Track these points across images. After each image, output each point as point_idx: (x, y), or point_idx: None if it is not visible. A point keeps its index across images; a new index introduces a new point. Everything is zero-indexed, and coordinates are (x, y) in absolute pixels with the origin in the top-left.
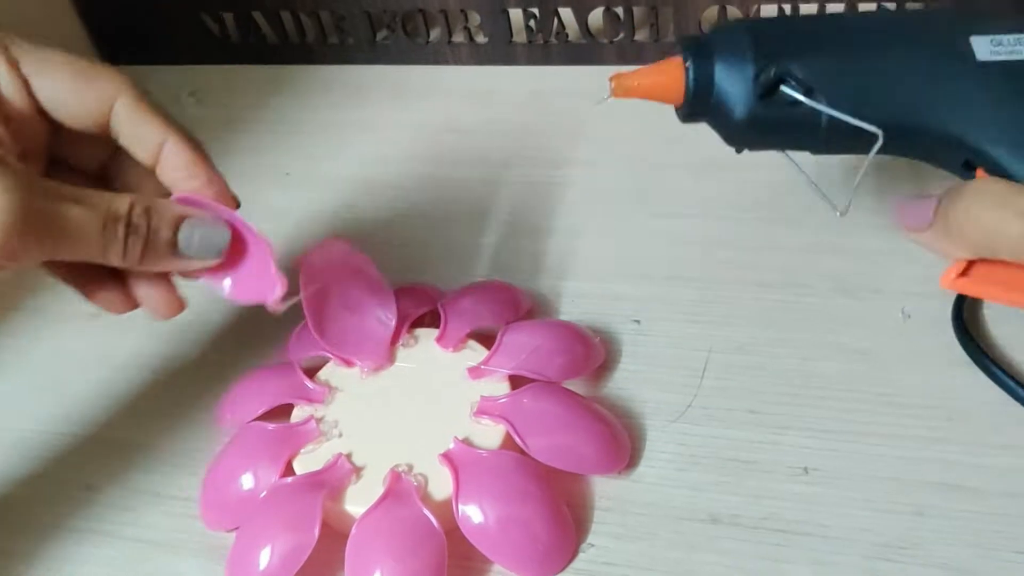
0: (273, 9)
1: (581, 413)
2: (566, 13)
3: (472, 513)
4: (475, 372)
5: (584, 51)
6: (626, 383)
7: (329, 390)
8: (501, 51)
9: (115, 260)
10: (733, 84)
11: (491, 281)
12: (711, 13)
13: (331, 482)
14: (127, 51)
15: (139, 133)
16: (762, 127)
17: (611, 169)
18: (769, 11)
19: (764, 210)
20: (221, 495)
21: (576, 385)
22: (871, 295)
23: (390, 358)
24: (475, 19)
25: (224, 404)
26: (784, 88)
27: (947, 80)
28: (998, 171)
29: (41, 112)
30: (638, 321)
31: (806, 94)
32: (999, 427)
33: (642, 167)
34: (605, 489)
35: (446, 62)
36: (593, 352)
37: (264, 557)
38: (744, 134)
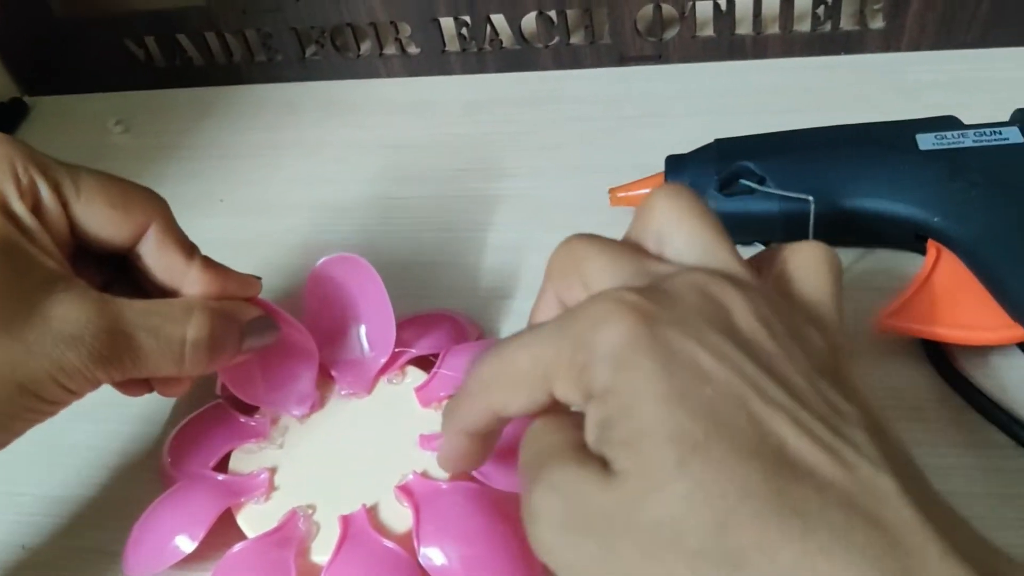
0: (197, 30)
1: None
2: (498, 19)
3: (434, 555)
4: (420, 397)
5: (519, 57)
6: None
7: (272, 424)
8: (435, 61)
9: (186, 373)
10: (702, 185)
11: (432, 313)
12: (646, 12)
13: (295, 538)
14: (47, 82)
15: (163, 262)
16: (728, 217)
17: (556, 177)
18: (704, 8)
19: None
20: (148, 541)
21: None
22: None
23: (320, 402)
24: (406, 30)
25: (167, 457)
26: (742, 181)
27: (894, 168)
28: (943, 238)
29: (72, 232)
30: None
31: (759, 182)
32: (959, 425)
33: (587, 174)
34: None
35: (379, 75)
36: None
37: None
38: None
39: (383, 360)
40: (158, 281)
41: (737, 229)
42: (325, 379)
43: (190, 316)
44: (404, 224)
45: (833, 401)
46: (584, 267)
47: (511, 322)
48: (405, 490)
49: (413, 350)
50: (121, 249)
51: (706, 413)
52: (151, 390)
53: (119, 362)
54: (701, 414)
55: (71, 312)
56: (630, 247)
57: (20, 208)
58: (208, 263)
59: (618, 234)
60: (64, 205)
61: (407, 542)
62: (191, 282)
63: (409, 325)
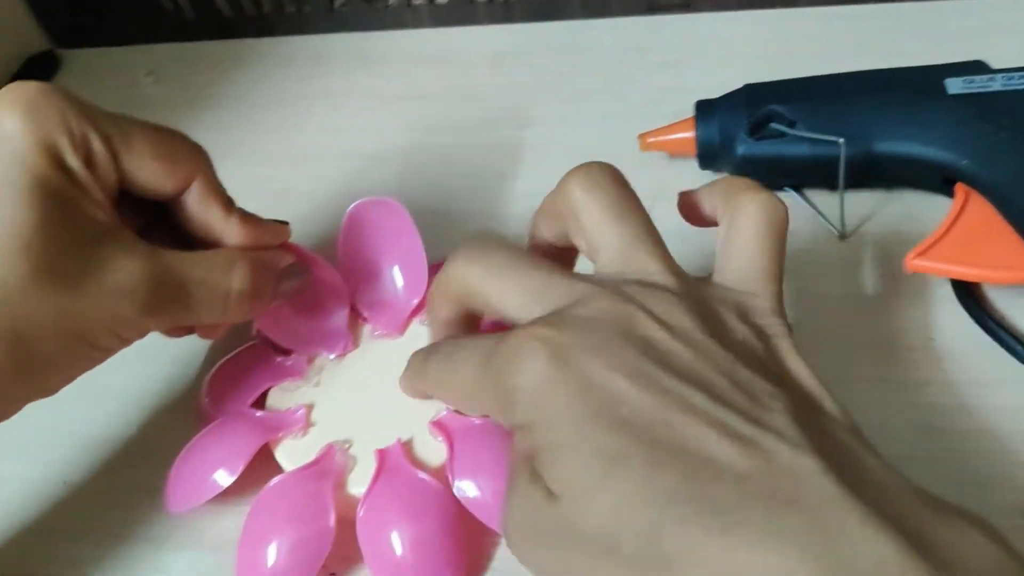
0: None
1: None
2: None
3: (468, 487)
4: None
5: (547, 6)
6: None
7: (308, 363)
8: (462, 11)
9: (228, 320)
10: (732, 129)
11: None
12: None
13: (332, 471)
14: (78, 35)
15: (204, 215)
16: (758, 161)
17: (584, 125)
18: None
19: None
20: (188, 475)
21: None
22: (851, 238)
23: (355, 342)
24: None
25: (205, 396)
26: (772, 125)
27: (922, 111)
28: (972, 182)
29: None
30: None
31: (789, 126)
32: (986, 366)
33: (616, 122)
34: None
35: (407, 26)
36: None
37: (282, 554)
38: (747, 170)
39: (416, 301)
40: (196, 231)
41: (767, 172)
42: (358, 321)
43: (233, 267)
44: (433, 172)
45: (755, 391)
46: (488, 288)
47: None
48: (439, 425)
49: None
50: (164, 199)
51: (624, 429)
52: (192, 332)
53: (169, 311)
54: (619, 430)
55: (124, 264)
56: (536, 262)
57: (74, 161)
58: (245, 216)
59: (648, 179)
60: (114, 157)
61: (441, 475)
62: (229, 234)
63: (439, 268)
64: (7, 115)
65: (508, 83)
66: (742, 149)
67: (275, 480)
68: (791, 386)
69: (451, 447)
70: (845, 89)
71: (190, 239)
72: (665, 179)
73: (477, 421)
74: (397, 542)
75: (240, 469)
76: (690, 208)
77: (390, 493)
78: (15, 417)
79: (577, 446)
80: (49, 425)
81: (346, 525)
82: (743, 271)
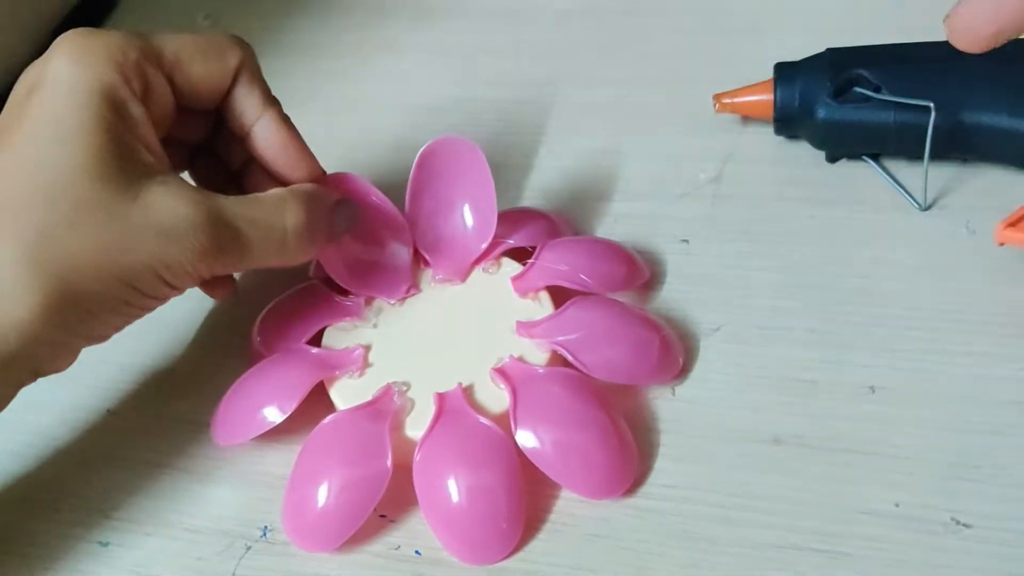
0: None
1: (629, 320)
2: None
3: (530, 438)
4: (517, 286)
5: None
6: (676, 302)
7: (366, 304)
8: None
9: (288, 262)
10: (814, 92)
11: (526, 208)
12: None
13: (389, 412)
14: None
15: (242, 106)
16: (840, 126)
17: (650, 87)
18: None
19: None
20: (238, 409)
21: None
22: (933, 210)
23: (416, 285)
24: None
25: (257, 333)
26: (856, 88)
27: (1016, 83)
28: None
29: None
30: (686, 240)
31: (874, 91)
32: None
33: (684, 83)
34: (661, 411)
35: None
36: (635, 268)
37: (334, 494)
38: (827, 134)
39: (483, 246)
40: (234, 123)
41: (847, 139)
42: (420, 265)
43: (285, 204)
44: (495, 126)
45: None
46: None
47: (607, 224)
48: (502, 372)
49: (511, 241)
50: (218, 98)
51: None
52: (232, 290)
53: (224, 255)
54: None
55: (172, 205)
56: None
57: (128, 95)
58: (284, 118)
59: (720, 142)
60: (169, 76)
61: (502, 423)
62: (261, 128)
63: (504, 219)
64: (60, 61)
65: (572, 42)
66: (823, 113)
67: (330, 418)
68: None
69: (514, 394)
70: (933, 56)
71: (233, 177)
72: (738, 144)
73: (541, 370)
74: (454, 489)
75: (293, 406)
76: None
77: (449, 438)
78: None
79: None
80: (95, 354)
81: (400, 470)
82: None
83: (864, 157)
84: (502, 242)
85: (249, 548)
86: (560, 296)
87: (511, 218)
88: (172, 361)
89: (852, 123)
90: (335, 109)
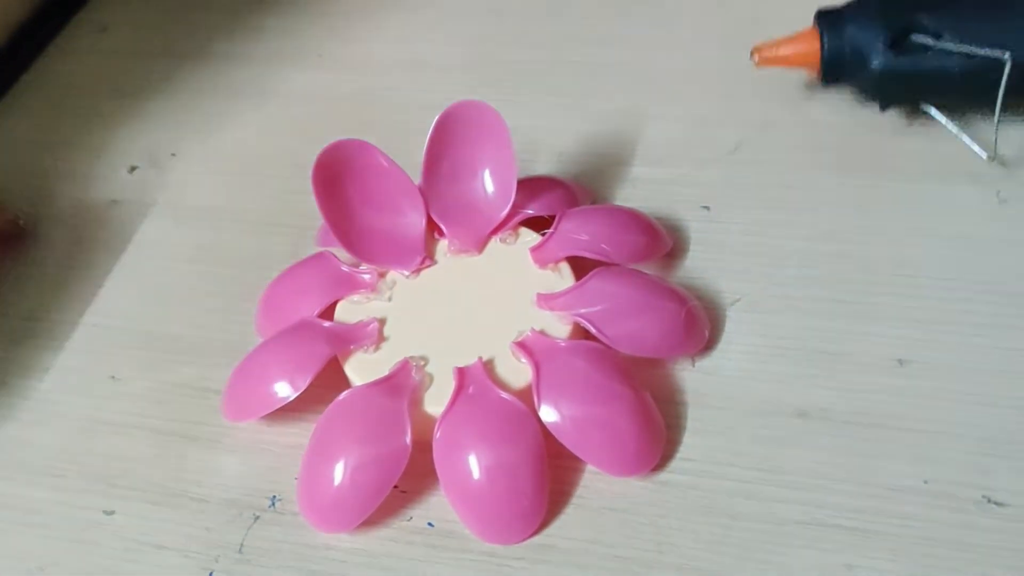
0: None
1: (654, 292)
2: None
3: (554, 412)
4: (536, 257)
5: None
6: (696, 271)
7: (380, 276)
8: None
9: None
10: (867, 41)
11: (543, 176)
12: None
13: (408, 387)
14: None
15: None
16: (899, 76)
17: (669, 48)
18: None
19: (846, 88)
20: (249, 384)
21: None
22: (963, 179)
23: (431, 257)
24: None
25: (265, 302)
26: (914, 36)
27: None
28: None
29: None
30: (707, 207)
31: (935, 38)
32: None
33: (705, 44)
34: (682, 383)
35: None
36: (658, 237)
37: (353, 471)
38: (884, 86)
39: (502, 215)
40: None
41: (907, 90)
42: (434, 236)
43: None
44: (510, 87)
45: None
46: None
47: (627, 189)
48: (523, 346)
49: (529, 210)
50: None
51: None
52: None
53: None
54: None
55: None
56: None
57: None
58: None
59: (763, 107)
60: None
61: (525, 397)
62: None
63: (521, 187)
64: None
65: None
66: (879, 63)
67: (345, 394)
68: None
69: (536, 368)
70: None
71: None
72: (761, 108)
73: (563, 343)
74: (476, 467)
75: (307, 383)
76: None
77: (470, 414)
78: (59, 309)
79: None
80: (96, 319)
81: (419, 446)
82: None
83: (923, 109)
84: (520, 211)
85: (257, 518)
86: (580, 267)
87: (528, 186)
88: (178, 326)
89: (914, 73)
90: (342, 68)
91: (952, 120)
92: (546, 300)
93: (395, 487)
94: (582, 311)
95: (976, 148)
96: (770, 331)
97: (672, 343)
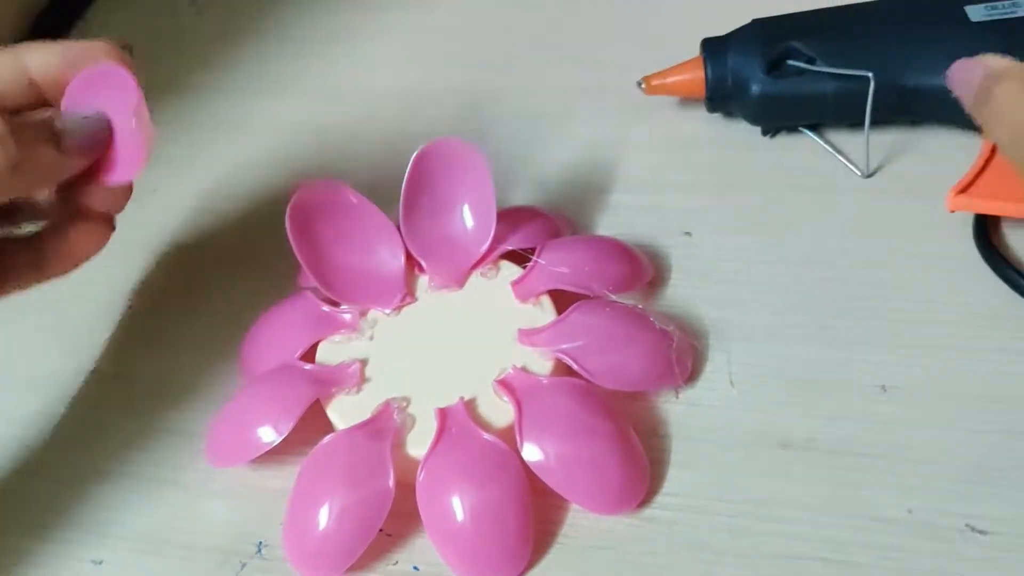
0: None
1: (636, 324)
2: None
3: (537, 452)
4: (517, 292)
5: None
6: (678, 300)
7: (360, 316)
8: None
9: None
10: (746, 68)
11: (522, 207)
12: None
13: (390, 430)
14: None
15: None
16: (777, 100)
17: (652, 70)
18: None
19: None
20: (232, 430)
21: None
22: (878, 178)
23: (412, 294)
24: None
25: (246, 345)
26: (789, 62)
27: (943, 41)
28: None
29: None
30: (689, 233)
31: (808, 62)
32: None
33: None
34: (666, 415)
35: None
36: (639, 266)
37: (337, 516)
38: (763, 110)
39: (482, 250)
40: None
41: (785, 112)
42: (415, 272)
43: None
44: (491, 113)
45: None
46: None
47: (608, 217)
48: (505, 384)
49: (508, 245)
50: None
51: None
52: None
53: None
54: None
55: None
56: None
57: None
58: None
59: (654, 124)
60: None
61: (508, 437)
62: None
63: (501, 219)
64: None
65: (569, 22)
66: (758, 88)
67: (329, 438)
68: None
69: (519, 407)
70: (860, 21)
71: None
72: (673, 125)
73: (545, 380)
74: (459, 508)
75: (290, 427)
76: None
77: (452, 455)
78: (33, 350)
79: None
80: (80, 363)
81: (403, 488)
82: None
83: (801, 129)
84: (500, 245)
85: (244, 565)
86: (562, 299)
87: (508, 217)
88: (163, 370)
89: (790, 96)
90: (323, 97)
91: (829, 141)
92: (527, 336)
93: (380, 530)
94: (563, 347)
95: (851, 166)
96: (752, 360)
97: (655, 375)
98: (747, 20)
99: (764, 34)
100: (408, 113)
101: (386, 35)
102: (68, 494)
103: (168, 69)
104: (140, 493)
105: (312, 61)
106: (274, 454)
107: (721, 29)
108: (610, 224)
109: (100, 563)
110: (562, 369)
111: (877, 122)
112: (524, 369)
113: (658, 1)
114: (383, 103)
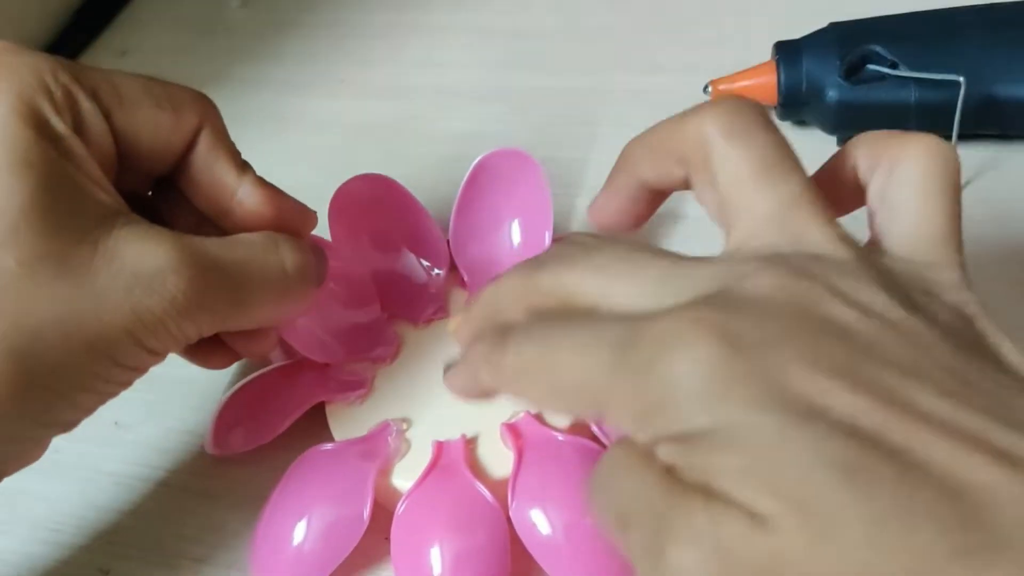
0: None
1: None
2: None
3: (527, 518)
4: None
5: None
6: None
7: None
8: None
9: (286, 312)
10: (822, 73)
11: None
12: None
13: (381, 454)
14: None
15: (213, 175)
16: (855, 108)
17: (709, 72)
18: None
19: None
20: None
21: None
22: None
23: (445, 309)
24: None
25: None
26: (870, 66)
27: None
28: None
29: (116, 146)
30: None
31: (890, 68)
32: None
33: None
34: None
35: None
36: None
37: (306, 536)
38: (840, 118)
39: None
40: (205, 201)
41: (864, 120)
42: (455, 284)
43: (276, 244)
44: (539, 115)
45: (990, 387)
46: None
47: (670, 228)
48: (512, 429)
49: None
50: (169, 161)
51: (851, 438)
52: (234, 358)
53: (211, 305)
54: (845, 438)
55: (143, 250)
56: (650, 250)
57: (60, 125)
58: (262, 180)
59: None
60: (107, 115)
61: (500, 490)
62: (246, 198)
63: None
64: None
65: (622, 24)
66: (835, 94)
67: (316, 451)
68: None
69: (519, 458)
70: (949, 27)
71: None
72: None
73: (560, 437)
74: (436, 555)
75: (288, 423)
76: (827, 183)
77: (438, 495)
78: None
79: (795, 455)
80: None
81: (381, 512)
82: (916, 236)
83: None
84: None
85: None
86: None
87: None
88: (183, 368)
89: (869, 104)
90: (368, 95)
91: None
92: None
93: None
94: None
95: None
96: None
97: None
98: (818, 25)
99: (842, 37)
100: (456, 112)
101: (437, 34)
102: (80, 497)
103: (213, 61)
104: (154, 499)
105: (357, 57)
106: (270, 456)
107: (790, 34)
108: (672, 237)
109: (107, 573)
110: (582, 428)
111: (963, 136)
112: (539, 417)
113: (724, 2)
114: (430, 101)
